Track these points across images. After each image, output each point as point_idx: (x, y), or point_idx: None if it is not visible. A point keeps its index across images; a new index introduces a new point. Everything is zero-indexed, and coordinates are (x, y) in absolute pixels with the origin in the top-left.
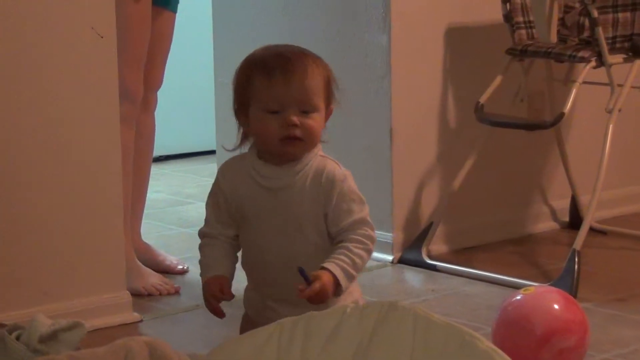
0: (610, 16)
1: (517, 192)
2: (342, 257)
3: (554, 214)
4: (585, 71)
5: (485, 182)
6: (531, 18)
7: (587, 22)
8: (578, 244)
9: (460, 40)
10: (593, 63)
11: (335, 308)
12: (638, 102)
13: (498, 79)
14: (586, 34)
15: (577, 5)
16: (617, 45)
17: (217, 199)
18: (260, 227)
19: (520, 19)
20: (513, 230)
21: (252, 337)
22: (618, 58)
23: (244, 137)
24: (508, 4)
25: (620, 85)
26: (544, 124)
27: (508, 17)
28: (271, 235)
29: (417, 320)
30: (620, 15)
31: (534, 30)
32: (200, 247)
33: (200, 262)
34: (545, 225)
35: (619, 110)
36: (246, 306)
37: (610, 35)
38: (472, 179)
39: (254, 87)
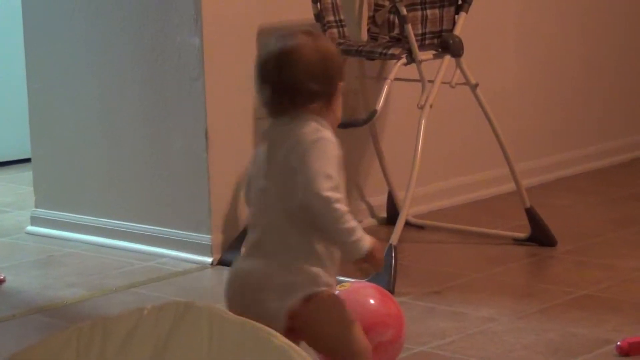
0: (419, 13)
1: None
2: None
3: (371, 210)
4: (396, 68)
5: None
6: (342, 17)
7: (396, 20)
8: (394, 239)
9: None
10: (404, 60)
11: (132, 310)
12: (450, 97)
13: None
14: (396, 31)
15: (387, 3)
16: (427, 41)
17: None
18: None
19: (331, 18)
20: None
21: (47, 342)
22: (428, 54)
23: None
24: (319, 4)
25: (431, 81)
26: (358, 121)
27: (319, 16)
28: None
29: (212, 318)
30: (429, 12)
31: (345, 29)
32: (345, 213)
33: (356, 227)
34: (364, 221)
35: (431, 106)
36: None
37: (420, 32)
38: None
39: (341, 72)
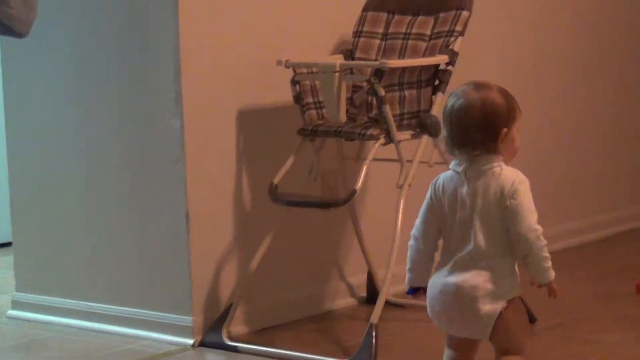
0: (397, 94)
1: (314, 269)
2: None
3: (351, 290)
4: (375, 149)
5: (283, 261)
6: (321, 98)
7: (374, 101)
8: (375, 317)
9: (252, 122)
10: (382, 140)
11: None
12: (429, 176)
13: (291, 159)
14: (374, 112)
15: (365, 84)
16: (405, 121)
17: None
18: None
19: (310, 99)
20: (312, 307)
21: None
22: (406, 134)
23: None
24: (298, 86)
25: (409, 161)
26: (337, 201)
27: (298, 98)
28: None
29: None
30: (406, 92)
31: (324, 110)
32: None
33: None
34: (343, 301)
35: (409, 185)
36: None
37: (398, 112)
38: (270, 258)
39: (517, 115)
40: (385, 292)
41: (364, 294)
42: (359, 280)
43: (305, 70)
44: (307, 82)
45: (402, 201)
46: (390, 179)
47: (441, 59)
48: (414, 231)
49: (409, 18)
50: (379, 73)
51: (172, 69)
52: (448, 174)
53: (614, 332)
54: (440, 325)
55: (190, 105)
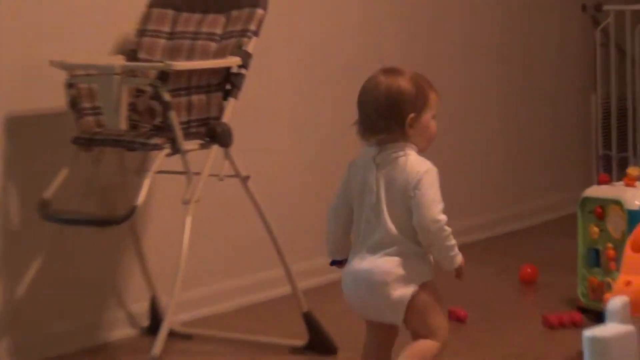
0: (184, 99)
1: (90, 295)
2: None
3: (131, 319)
4: (159, 160)
5: (55, 286)
6: (99, 104)
7: (159, 107)
8: (156, 350)
9: (20, 130)
10: (167, 150)
11: None
12: (222, 190)
13: (64, 172)
14: (159, 119)
15: (149, 88)
16: (193, 130)
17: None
18: None
19: (87, 105)
20: (88, 339)
21: None
22: (194, 144)
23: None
24: (72, 89)
25: (197, 174)
26: (116, 218)
27: (73, 103)
28: None
29: None
30: (194, 97)
31: (102, 117)
32: (450, 233)
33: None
34: (123, 331)
35: (197, 201)
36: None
37: (185, 119)
38: (40, 283)
39: (430, 100)
40: (169, 321)
41: (146, 323)
42: (141, 307)
43: (82, 73)
44: (84, 86)
45: (189, 219)
46: (177, 193)
47: (233, 61)
48: (331, 204)
49: (198, 16)
50: (164, 76)
51: None
52: (362, 157)
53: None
54: (355, 311)
55: None
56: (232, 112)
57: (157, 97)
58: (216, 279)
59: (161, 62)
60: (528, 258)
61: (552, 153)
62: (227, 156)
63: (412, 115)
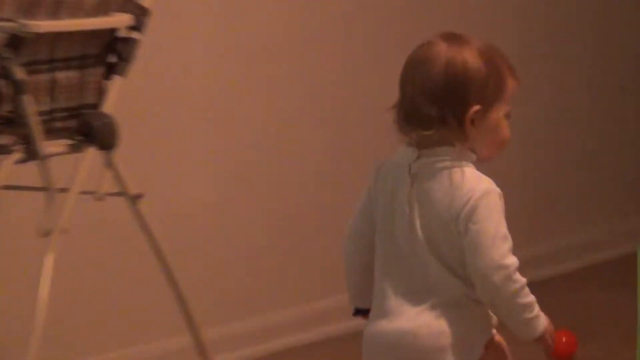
0: (45, 77)
1: None
2: None
3: None
4: (6, 168)
5: None
6: None
7: (7, 88)
8: None
9: None
10: (19, 154)
11: None
12: (101, 216)
13: None
14: (6, 107)
15: None
16: (58, 123)
17: None
18: None
19: None
20: None
21: None
22: (60, 145)
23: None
24: None
25: (64, 190)
26: None
27: None
28: None
29: None
30: (61, 75)
31: None
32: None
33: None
34: None
35: (63, 231)
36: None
37: (47, 108)
38: None
39: (507, 89)
40: None
41: None
42: None
43: None
44: None
45: (50, 256)
46: (32, 218)
47: (121, 21)
48: (348, 230)
49: None
50: (15, 42)
51: None
52: (395, 160)
53: None
54: None
55: None
56: (119, 98)
57: (4, 73)
58: (99, 349)
59: (11, 20)
60: (563, 320)
61: (598, 172)
62: (110, 164)
63: (476, 107)
